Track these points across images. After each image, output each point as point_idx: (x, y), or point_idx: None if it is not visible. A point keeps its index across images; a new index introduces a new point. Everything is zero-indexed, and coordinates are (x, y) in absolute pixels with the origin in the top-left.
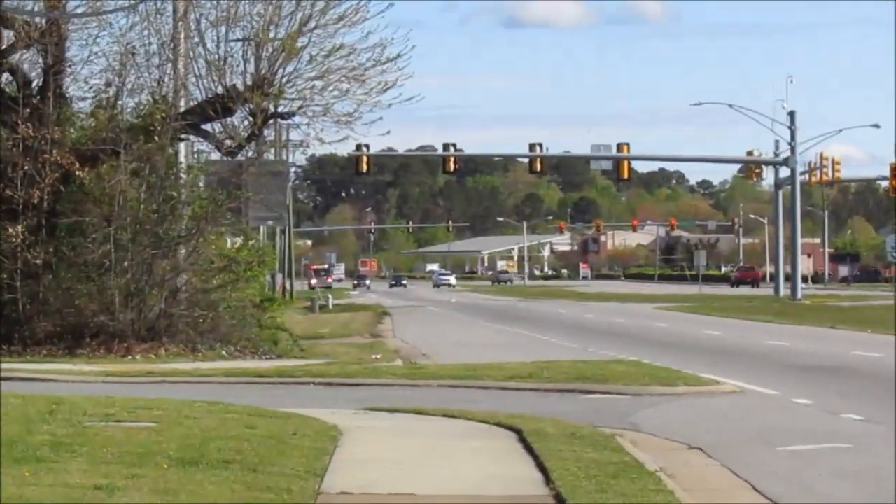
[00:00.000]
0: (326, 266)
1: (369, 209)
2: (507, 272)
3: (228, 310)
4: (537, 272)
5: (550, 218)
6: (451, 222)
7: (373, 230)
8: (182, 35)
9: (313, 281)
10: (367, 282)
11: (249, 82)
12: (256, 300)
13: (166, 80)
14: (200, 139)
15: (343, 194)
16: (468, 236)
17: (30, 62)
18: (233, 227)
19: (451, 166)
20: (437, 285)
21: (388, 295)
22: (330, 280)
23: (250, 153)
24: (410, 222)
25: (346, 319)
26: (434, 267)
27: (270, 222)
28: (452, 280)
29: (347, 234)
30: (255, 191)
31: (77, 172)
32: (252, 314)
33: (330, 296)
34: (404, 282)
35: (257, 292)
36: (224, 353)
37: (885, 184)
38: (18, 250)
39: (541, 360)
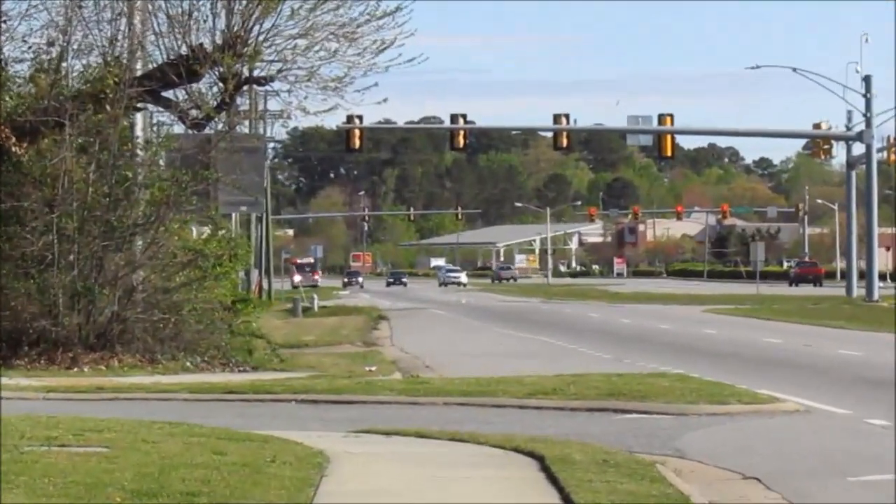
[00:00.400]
0: (311, 260)
1: (362, 193)
2: (510, 267)
3: (194, 313)
4: (563, 268)
5: (579, 203)
6: (460, 209)
7: (367, 218)
8: None
9: (296, 278)
10: (360, 279)
11: (219, 41)
12: (227, 301)
13: (120, 38)
14: (161, 109)
15: (331, 175)
16: (480, 225)
17: None
18: (199, 214)
19: (461, 142)
20: (444, 284)
21: (385, 295)
22: (316, 277)
23: (220, 126)
24: (412, 209)
25: (335, 324)
26: (440, 262)
27: (244, 208)
28: (463, 278)
29: (336, 223)
30: (226, 171)
31: (13, 148)
32: (222, 318)
33: (315, 296)
34: (404, 279)
35: (228, 292)
36: (189, 364)
37: None
38: None
39: (567, 373)
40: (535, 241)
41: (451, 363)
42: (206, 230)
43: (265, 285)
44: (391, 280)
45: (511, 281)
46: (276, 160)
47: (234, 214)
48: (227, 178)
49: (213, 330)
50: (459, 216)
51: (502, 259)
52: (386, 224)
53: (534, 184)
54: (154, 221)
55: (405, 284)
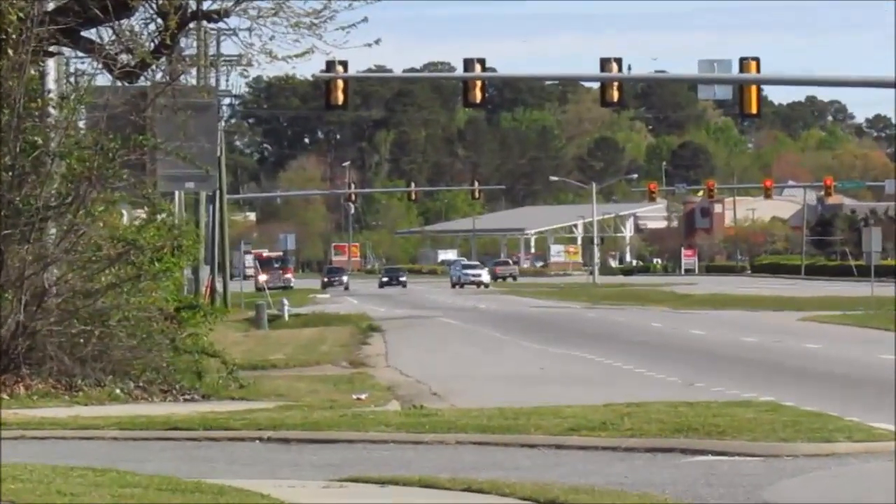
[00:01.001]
0: (281, 254)
1: (347, 164)
2: (508, 262)
3: (125, 324)
4: (614, 262)
5: (635, 177)
6: (477, 184)
7: (353, 197)
8: None
9: (262, 278)
10: (344, 278)
11: None
12: (169, 308)
13: None
14: (80, 54)
15: (306, 140)
16: (504, 207)
17: None
18: (132, 192)
19: (478, 95)
20: (459, 284)
21: (378, 299)
22: (288, 276)
23: (159, 76)
24: (413, 184)
25: (312, 338)
26: (450, 255)
27: (191, 185)
28: (484, 276)
29: (313, 204)
30: (166, 135)
31: None
32: (162, 330)
33: (286, 301)
34: (403, 278)
35: (171, 296)
36: (119, 391)
37: None
38: None
39: (620, 402)
40: (576, 226)
41: (466, 389)
42: (141, 214)
43: (219, 287)
44: (386, 279)
45: (511, 279)
46: (234, 121)
47: (177, 193)
48: (168, 145)
49: (150, 346)
50: (476, 195)
51: (533, 251)
52: (379, 205)
53: (575, 151)
54: (72, 203)
55: (404, 285)
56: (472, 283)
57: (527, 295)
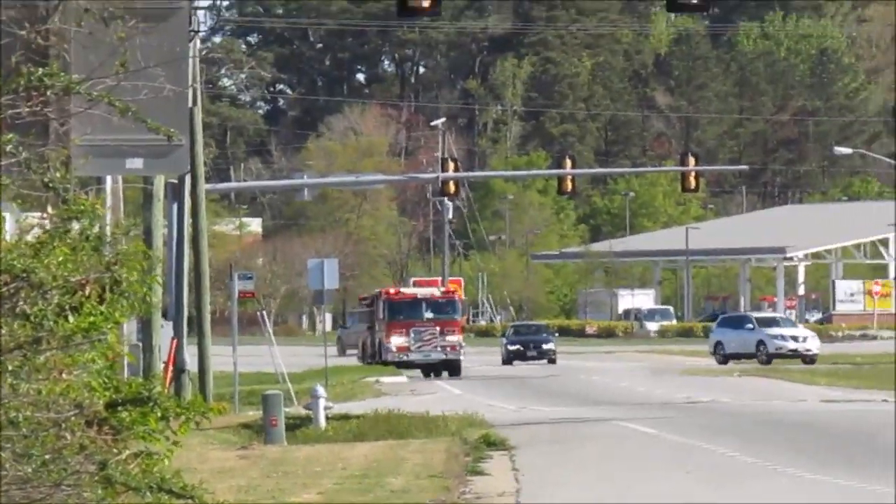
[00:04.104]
0: (445, 290)
1: (440, 123)
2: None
3: (10, 435)
4: None
5: None
6: (693, 162)
7: (453, 189)
8: None
9: (396, 341)
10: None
11: None
12: (97, 404)
13: None
14: None
15: (359, 77)
16: (745, 207)
17: None
18: (23, 178)
19: None
20: (766, 356)
21: (502, 385)
22: (457, 338)
23: None
24: (569, 163)
25: (374, 461)
26: (641, 300)
27: (138, 163)
28: (812, 341)
29: (374, 203)
30: (89, 67)
31: None
32: (84, 447)
33: (321, 390)
34: (549, 344)
35: (99, 380)
36: None
37: None
38: None
39: None
40: (886, 243)
41: None
42: (41, 221)
43: (189, 360)
44: (515, 347)
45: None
46: (221, 39)
47: (109, 180)
48: (93, 86)
49: (58, 478)
50: (692, 183)
51: (801, 290)
52: (502, 205)
53: (885, 98)
54: None
55: (552, 357)
56: (793, 354)
57: (796, 378)
